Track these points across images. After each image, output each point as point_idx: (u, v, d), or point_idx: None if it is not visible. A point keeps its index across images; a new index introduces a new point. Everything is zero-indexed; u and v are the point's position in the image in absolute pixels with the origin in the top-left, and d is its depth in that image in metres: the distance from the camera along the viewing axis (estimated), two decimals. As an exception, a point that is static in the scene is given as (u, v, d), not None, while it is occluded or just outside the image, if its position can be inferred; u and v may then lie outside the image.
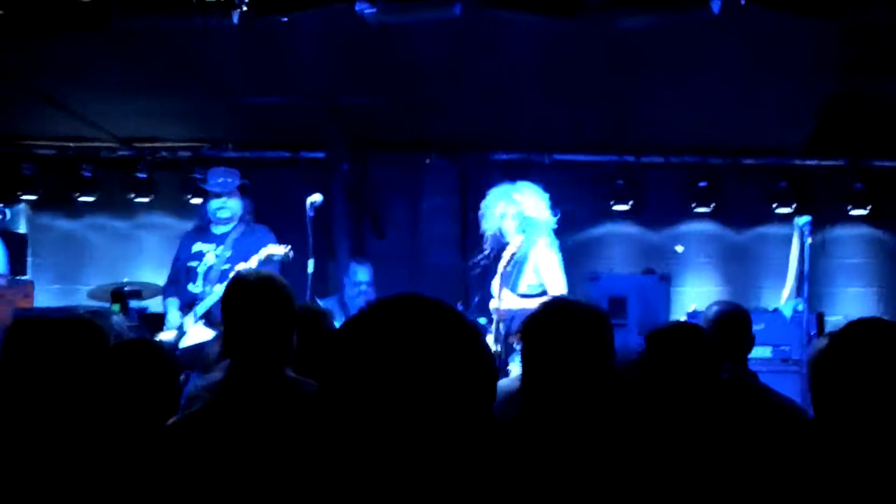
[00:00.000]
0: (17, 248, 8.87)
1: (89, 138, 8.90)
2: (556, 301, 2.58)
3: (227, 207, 6.59)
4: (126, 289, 7.15)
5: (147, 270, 9.13)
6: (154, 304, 8.49)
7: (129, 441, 3.05)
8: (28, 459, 2.36)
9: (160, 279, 8.79)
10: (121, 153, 9.10)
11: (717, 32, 5.71)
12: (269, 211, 8.80)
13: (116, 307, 6.73)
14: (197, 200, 8.99)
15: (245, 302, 2.91)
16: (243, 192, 6.82)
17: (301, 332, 3.02)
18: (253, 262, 6.15)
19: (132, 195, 9.08)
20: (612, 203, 8.93)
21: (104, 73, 6.91)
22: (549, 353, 2.37)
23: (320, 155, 8.75)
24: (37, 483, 2.34)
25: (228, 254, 6.48)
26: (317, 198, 6.28)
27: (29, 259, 9.20)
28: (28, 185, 8.99)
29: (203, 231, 6.72)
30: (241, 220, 6.67)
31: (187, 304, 6.47)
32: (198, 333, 6.27)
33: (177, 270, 6.73)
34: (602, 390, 2.36)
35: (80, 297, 8.69)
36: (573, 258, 9.11)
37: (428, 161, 8.75)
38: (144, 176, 8.98)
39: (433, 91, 7.18)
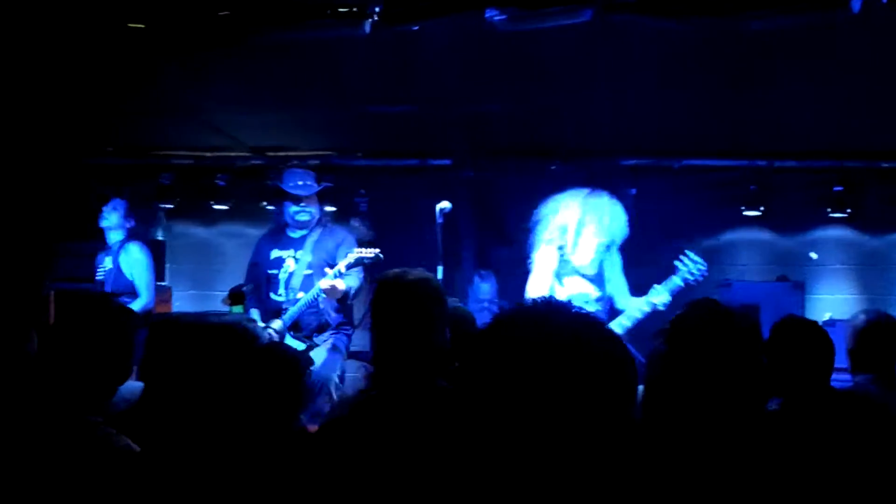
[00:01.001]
0: (156, 255, 9.18)
1: (224, 148, 9.15)
2: (706, 303, 2.49)
3: (307, 211, 6.52)
4: (244, 289, 7.25)
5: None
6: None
7: (271, 442, 3.14)
8: (189, 458, 2.43)
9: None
10: (253, 162, 9.32)
11: (854, 32, 5.55)
12: (396, 218, 8.94)
13: (238, 308, 6.82)
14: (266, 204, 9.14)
15: (399, 303, 2.76)
16: (323, 197, 6.75)
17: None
18: (341, 267, 6.11)
19: (264, 203, 9.28)
20: (742, 209, 8.75)
21: (238, 85, 7.09)
22: (699, 356, 2.27)
23: (446, 162, 8.81)
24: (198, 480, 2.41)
25: (309, 259, 6.42)
26: (446, 204, 6.29)
27: (166, 265, 9.49)
28: (165, 193, 9.27)
29: (279, 236, 6.63)
30: (318, 222, 6.62)
31: (272, 313, 6.43)
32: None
33: (255, 276, 6.65)
34: (749, 397, 2.28)
35: (215, 302, 8.93)
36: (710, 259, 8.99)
37: (553, 167, 8.72)
38: (273, 183, 9.17)
39: (559, 97, 7.15)
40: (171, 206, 9.45)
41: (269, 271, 6.49)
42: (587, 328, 1.50)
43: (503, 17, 5.39)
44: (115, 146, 9.18)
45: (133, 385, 3.52)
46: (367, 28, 5.50)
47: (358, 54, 6.20)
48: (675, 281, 6.01)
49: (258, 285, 6.59)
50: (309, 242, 6.47)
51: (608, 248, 6.24)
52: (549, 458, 1.42)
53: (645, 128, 7.91)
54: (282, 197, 6.69)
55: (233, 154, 9.27)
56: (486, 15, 5.40)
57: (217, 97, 7.41)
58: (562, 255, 6.22)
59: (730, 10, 5.25)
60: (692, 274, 6.03)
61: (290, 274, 6.41)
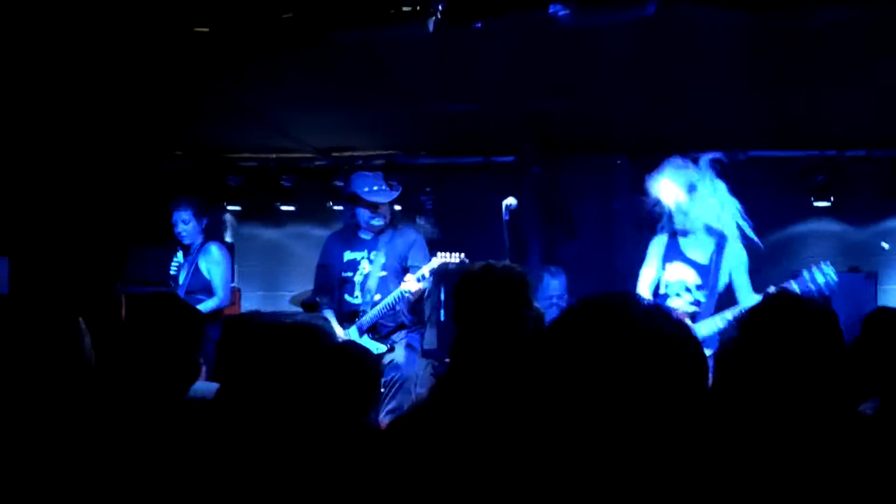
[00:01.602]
0: (225, 257, 9.32)
1: (289, 150, 9.24)
2: (782, 293, 2.44)
3: (381, 215, 6.50)
4: (318, 300, 7.30)
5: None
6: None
7: (342, 439, 3.17)
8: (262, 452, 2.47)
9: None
10: (318, 163, 9.39)
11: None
12: (462, 216, 8.95)
13: None
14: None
15: (486, 296, 2.71)
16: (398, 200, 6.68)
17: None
18: (425, 271, 6.13)
19: (330, 203, 9.35)
20: (812, 199, 8.62)
21: (303, 87, 7.15)
22: (774, 348, 2.23)
23: (510, 159, 8.80)
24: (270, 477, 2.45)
25: (383, 260, 6.42)
26: (512, 201, 6.30)
27: (235, 267, 9.61)
28: (233, 196, 9.41)
29: (350, 237, 6.59)
30: (388, 223, 6.60)
31: (348, 316, 6.45)
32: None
33: (326, 277, 6.63)
34: (830, 390, 2.23)
35: (283, 303, 9.03)
36: (773, 257, 8.87)
37: (619, 162, 8.67)
38: (342, 185, 9.23)
39: (623, 92, 7.11)
40: (239, 209, 9.55)
41: (344, 274, 6.49)
42: (653, 321, 1.50)
43: (566, 12, 5.37)
44: (183, 150, 9.31)
45: (208, 385, 3.59)
46: (431, 27, 5.50)
47: (421, 52, 6.22)
48: (793, 286, 5.86)
49: (330, 287, 6.60)
50: (382, 244, 6.48)
51: (723, 238, 6.14)
52: (617, 453, 1.43)
53: (710, 120, 7.83)
54: (352, 201, 6.67)
55: (297, 155, 9.36)
56: (550, 10, 5.38)
57: (281, 98, 7.48)
58: (668, 240, 6.21)
59: (796, 2, 5.18)
60: (815, 283, 5.87)
61: (366, 276, 6.43)
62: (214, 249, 7.65)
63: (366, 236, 6.54)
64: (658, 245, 6.26)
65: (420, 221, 9.08)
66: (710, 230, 6.15)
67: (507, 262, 2.93)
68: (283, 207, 9.46)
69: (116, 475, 2.54)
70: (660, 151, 8.43)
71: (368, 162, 9.27)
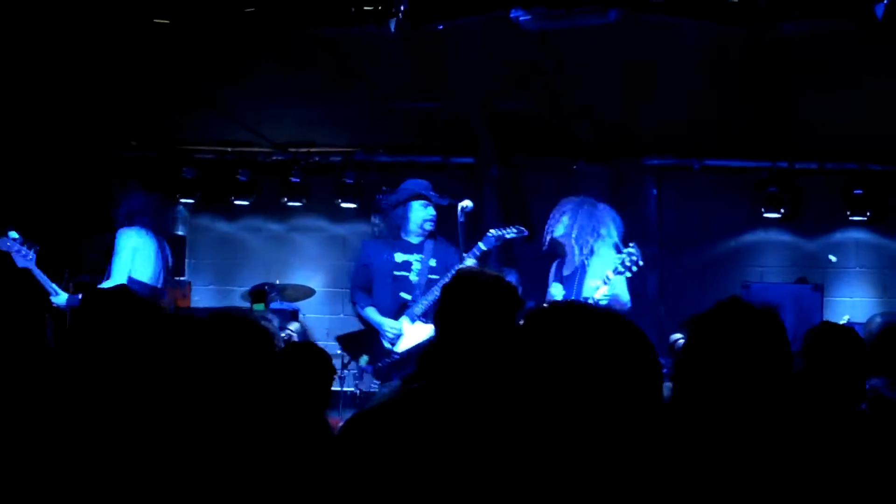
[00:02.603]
0: (176, 250, 9.24)
1: (246, 143, 9.20)
2: (730, 300, 2.51)
3: (433, 220, 6.55)
4: (266, 289, 7.28)
5: (300, 272, 9.39)
6: (305, 306, 8.74)
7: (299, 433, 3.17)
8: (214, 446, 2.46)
9: (312, 281, 9.05)
10: (276, 158, 9.37)
11: (879, 38, 5.55)
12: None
13: (259, 306, 6.84)
14: (348, 204, 9.22)
15: (472, 299, 2.76)
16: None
17: None
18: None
19: (286, 199, 9.33)
20: (763, 210, 8.74)
21: (264, 81, 7.13)
22: (723, 354, 2.30)
23: (469, 160, 8.83)
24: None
25: (433, 263, 6.50)
26: (468, 203, 6.31)
27: (187, 260, 9.55)
28: (187, 188, 9.31)
29: (397, 241, 6.61)
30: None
31: (399, 310, 6.49)
32: (419, 333, 6.33)
33: (366, 277, 6.67)
34: (778, 394, 2.29)
35: (235, 297, 8.99)
36: (723, 266, 9.00)
37: (575, 167, 8.73)
38: (298, 180, 9.22)
39: (586, 96, 7.17)
40: (192, 201, 9.48)
41: (397, 273, 6.53)
42: (610, 324, 1.59)
43: (528, 17, 5.40)
44: (139, 140, 9.23)
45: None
46: (393, 27, 5.51)
47: (383, 51, 6.23)
48: (608, 274, 5.96)
49: (368, 285, 6.63)
50: (429, 249, 6.55)
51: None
52: (579, 450, 1.47)
53: (668, 128, 7.93)
54: (405, 205, 6.60)
55: (255, 149, 9.32)
56: (512, 15, 5.41)
57: (241, 92, 7.46)
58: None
59: (761, 13, 5.24)
60: (625, 266, 5.95)
61: (419, 275, 6.49)
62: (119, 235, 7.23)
63: (413, 240, 6.57)
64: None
65: (375, 220, 9.08)
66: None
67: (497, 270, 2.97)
68: (238, 201, 9.40)
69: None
70: (617, 156, 8.55)
71: (326, 158, 9.26)
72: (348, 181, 9.12)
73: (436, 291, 6.33)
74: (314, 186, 9.30)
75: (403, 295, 6.49)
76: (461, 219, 6.28)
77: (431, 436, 2.46)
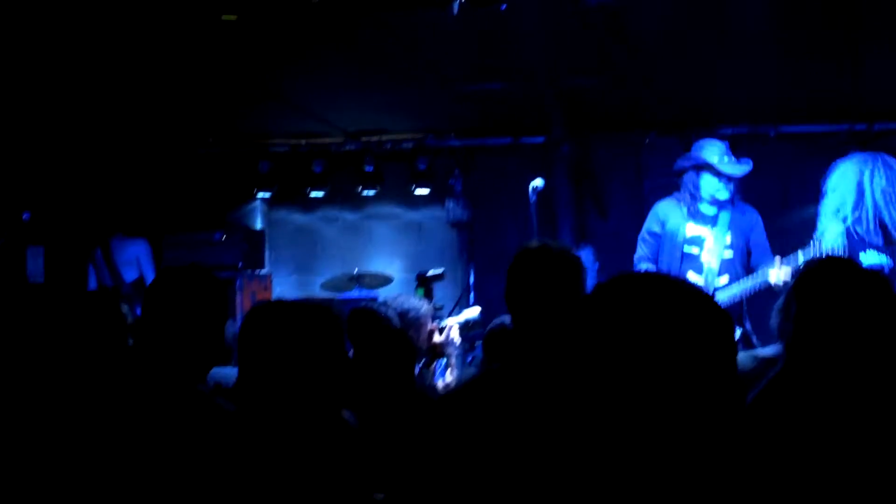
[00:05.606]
0: (256, 243, 9.37)
1: (319, 134, 9.26)
2: (836, 260, 2.44)
3: (729, 189, 5.88)
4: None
5: (377, 260, 9.45)
6: (384, 294, 8.77)
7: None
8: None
9: (390, 268, 9.11)
10: (348, 147, 9.41)
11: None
12: (493, 197, 8.96)
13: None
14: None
15: (544, 273, 2.75)
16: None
17: None
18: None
19: (360, 188, 9.37)
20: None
21: (333, 70, 7.17)
22: (829, 312, 2.23)
23: (540, 140, 8.78)
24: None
25: (728, 239, 5.88)
26: (539, 182, 6.27)
27: (266, 253, 9.66)
28: (264, 181, 9.41)
29: (692, 208, 5.92)
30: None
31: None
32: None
33: (654, 248, 6.01)
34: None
35: (315, 288, 9.07)
36: (803, 236, 8.77)
37: (647, 141, 8.64)
38: (371, 169, 9.25)
39: (653, 67, 7.07)
40: (269, 195, 9.57)
41: (686, 249, 5.87)
42: (686, 297, 1.52)
43: (592, -10, 5.36)
44: (215, 136, 9.36)
45: (225, 371, 3.61)
46: (455, 8, 5.51)
47: (448, 33, 6.22)
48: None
49: (657, 257, 6.00)
50: (724, 221, 5.88)
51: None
52: (649, 428, 1.44)
53: (740, 95, 7.77)
54: (698, 170, 5.95)
55: (327, 140, 9.38)
56: (576, -11, 5.37)
57: (311, 82, 7.51)
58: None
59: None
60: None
61: (712, 253, 5.84)
62: None
63: (708, 211, 5.91)
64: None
65: (449, 204, 9.10)
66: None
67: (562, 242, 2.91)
68: (314, 193, 9.47)
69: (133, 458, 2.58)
70: (689, 128, 8.41)
71: (398, 145, 9.29)
72: (421, 167, 9.13)
73: (727, 278, 5.82)
74: (387, 174, 9.31)
75: (694, 276, 5.82)
76: (533, 198, 6.24)
77: (512, 413, 2.46)
